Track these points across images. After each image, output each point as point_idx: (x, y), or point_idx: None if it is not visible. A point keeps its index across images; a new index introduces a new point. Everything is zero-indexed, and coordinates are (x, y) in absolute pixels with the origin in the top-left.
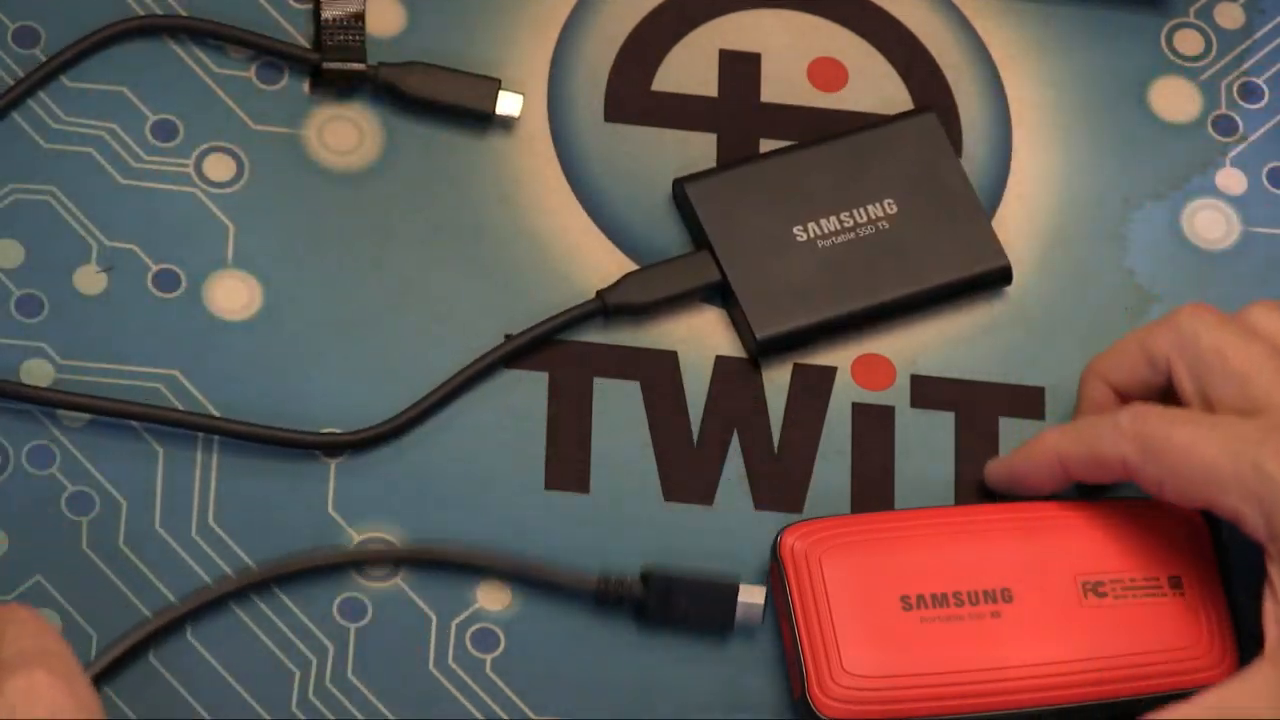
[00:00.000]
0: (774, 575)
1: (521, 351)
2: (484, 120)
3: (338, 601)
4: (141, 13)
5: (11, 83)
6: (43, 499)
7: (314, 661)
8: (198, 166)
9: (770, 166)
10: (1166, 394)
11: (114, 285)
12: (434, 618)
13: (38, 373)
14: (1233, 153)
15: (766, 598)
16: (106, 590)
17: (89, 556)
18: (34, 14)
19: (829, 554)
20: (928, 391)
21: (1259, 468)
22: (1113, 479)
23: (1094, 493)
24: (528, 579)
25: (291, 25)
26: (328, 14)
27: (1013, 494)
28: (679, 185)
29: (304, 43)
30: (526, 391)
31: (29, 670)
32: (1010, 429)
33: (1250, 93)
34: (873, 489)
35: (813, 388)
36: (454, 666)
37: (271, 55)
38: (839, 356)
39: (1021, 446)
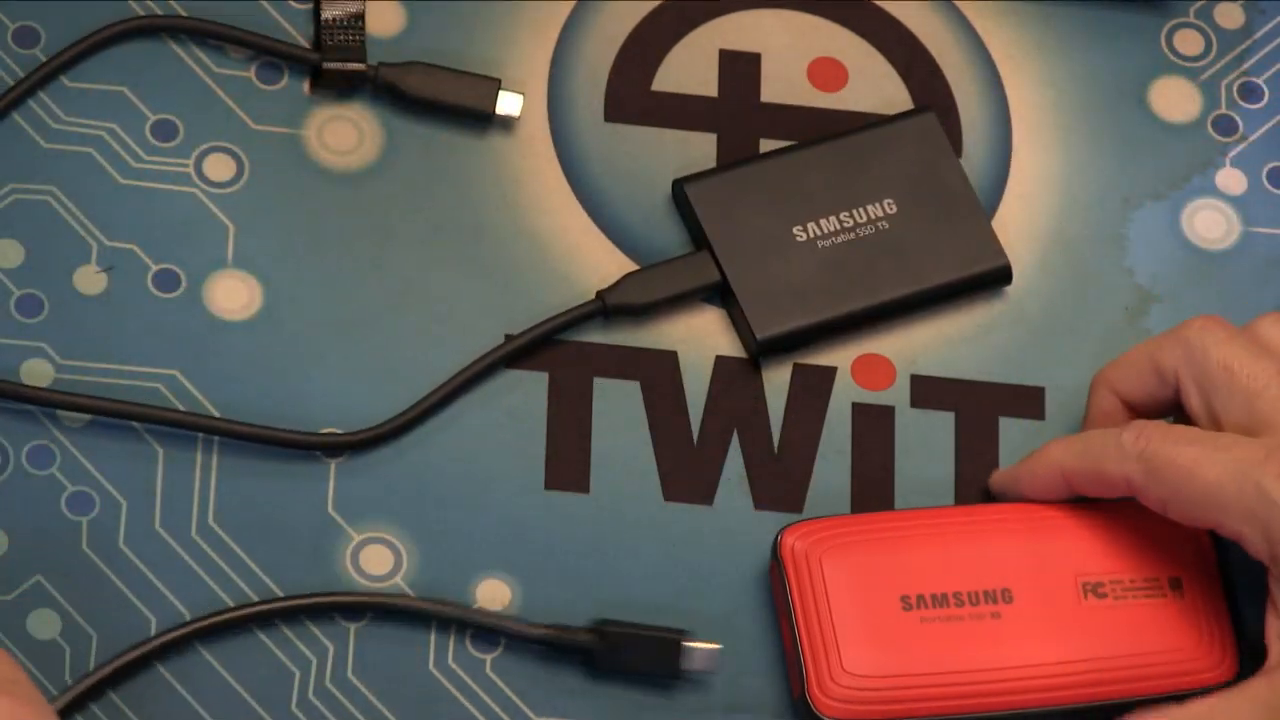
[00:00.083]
0: (774, 575)
1: (522, 351)
2: (484, 120)
3: None
4: (141, 13)
5: (11, 83)
6: (43, 499)
7: (314, 661)
8: (198, 166)
9: (770, 166)
10: (1175, 405)
11: (114, 285)
12: (434, 618)
13: (38, 373)
14: (1233, 153)
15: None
16: (106, 590)
17: (89, 556)
18: (34, 14)
19: (829, 554)
20: (928, 391)
21: (1261, 489)
22: (1116, 495)
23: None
24: (479, 626)
25: (291, 25)
26: (328, 14)
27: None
28: (679, 185)
29: (304, 43)
30: (526, 391)
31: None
32: (1010, 429)
33: (1250, 93)
34: (873, 489)
35: (813, 388)
36: (454, 666)
37: (271, 55)
38: (839, 356)
39: (1025, 459)
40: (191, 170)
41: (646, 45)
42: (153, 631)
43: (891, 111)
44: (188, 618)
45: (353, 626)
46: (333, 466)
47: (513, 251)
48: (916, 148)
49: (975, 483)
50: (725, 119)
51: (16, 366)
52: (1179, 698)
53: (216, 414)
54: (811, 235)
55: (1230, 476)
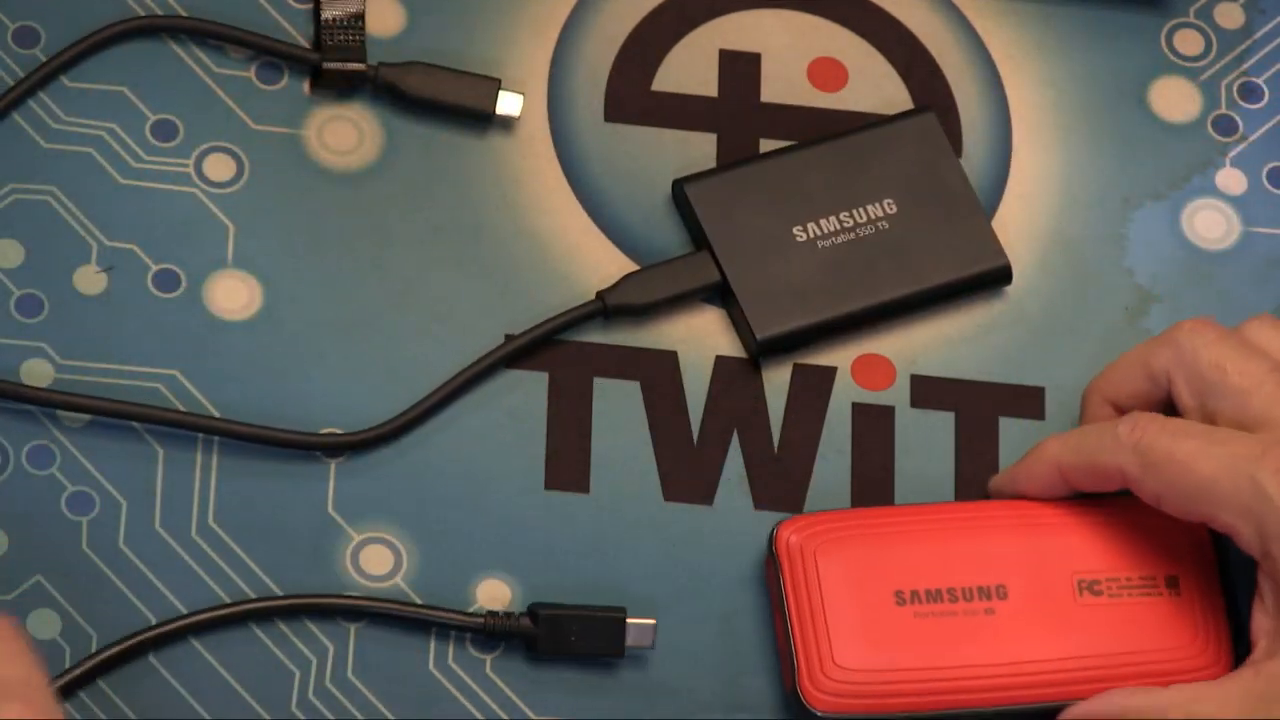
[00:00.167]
0: (769, 569)
1: (522, 352)
2: (484, 120)
3: None
4: (141, 13)
5: (11, 83)
6: (43, 499)
7: (314, 661)
8: (198, 166)
9: (770, 166)
10: (1168, 409)
11: (114, 285)
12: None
13: (38, 373)
14: (1233, 153)
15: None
16: (106, 590)
17: (89, 556)
18: (34, 14)
19: (824, 548)
20: (928, 391)
21: (1256, 483)
22: (1113, 488)
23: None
24: (414, 621)
25: (291, 25)
26: (328, 14)
27: None
28: (678, 186)
29: (304, 43)
30: (527, 391)
31: (9, 701)
32: (1010, 429)
33: (1250, 93)
34: (873, 489)
35: (813, 388)
36: (454, 666)
37: (271, 55)
38: (839, 356)
39: (1022, 458)
40: (191, 170)
41: (646, 45)
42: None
43: (891, 111)
44: None
45: (353, 626)
46: (333, 466)
47: (513, 251)
48: (916, 148)
49: (975, 483)
50: (725, 119)
51: (16, 366)
52: None
53: (216, 414)
54: (811, 235)
55: (1226, 471)
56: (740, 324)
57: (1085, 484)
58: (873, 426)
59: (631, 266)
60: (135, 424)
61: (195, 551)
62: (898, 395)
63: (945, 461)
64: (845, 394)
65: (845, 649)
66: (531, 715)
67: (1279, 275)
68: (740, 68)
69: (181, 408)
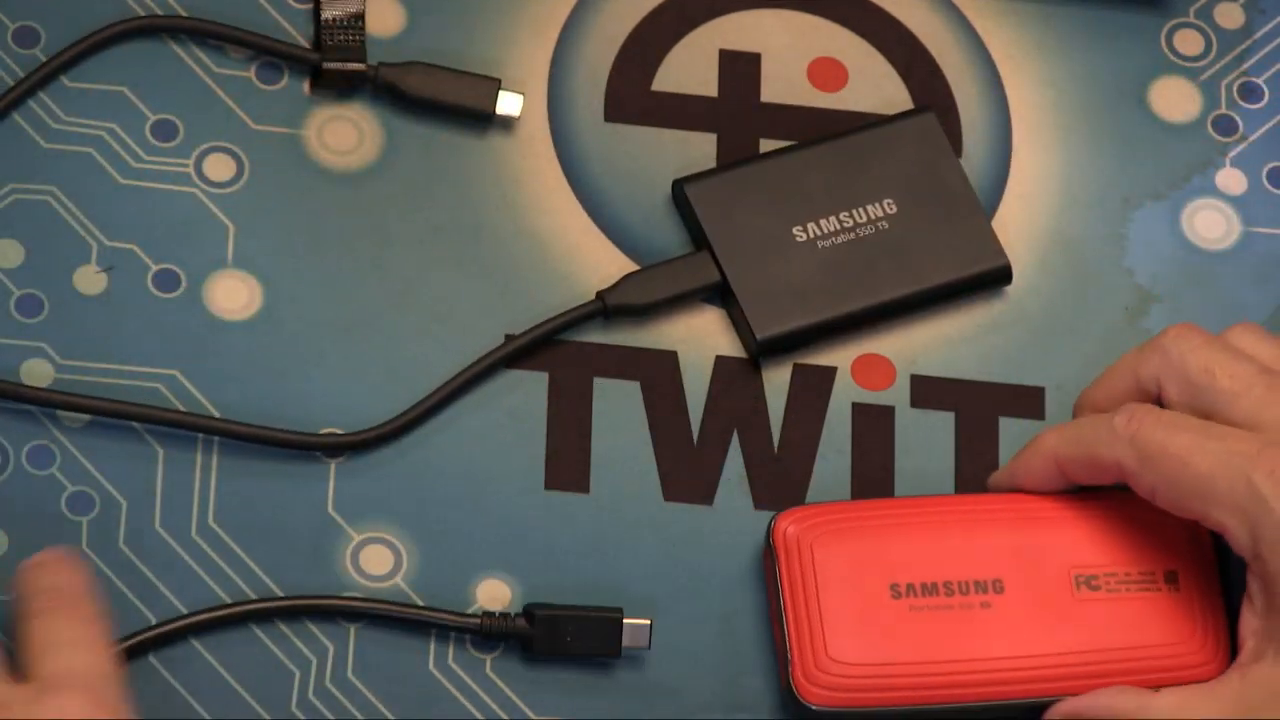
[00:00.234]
0: (767, 561)
1: (522, 352)
2: (484, 120)
3: None
4: (141, 13)
5: (11, 83)
6: (43, 499)
7: (314, 661)
8: (198, 166)
9: (770, 166)
10: None
11: (114, 285)
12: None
13: (38, 373)
14: (1233, 153)
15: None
16: (106, 590)
17: (89, 556)
18: (34, 14)
19: (820, 540)
20: (928, 391)
21: (1251, 484)
22: (1110, 480)
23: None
24: (412, 622)
25: (291, 25)
26: (328, 14)
27: None
28: (678, 186)
29: (304, 43)
30: (527, 391)
31: (71, 692)
32: (1010, 429)
33: (1250, 93)
34: (872, 489)
35: (813, 388)
36: (454, 666)
37: (271, 55)
38: (839, 356)
39: (1020, 451)
40: (191, 170)
41: (646, 45)
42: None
43: (891, 111)
44: None
45: (353, 627)
46: (333, 467)
47: (513, 251)
48: (916, 148)
49: (975, 483)
50: (725, 119)
51: (16, 366)
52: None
53: (216, 414)
54: (811, 235)
55: (1221, 469)
56: (740, 324)
57: (1082, 476)
58: (873, 426)
59: (631, 266)
60: (135, 424)
61: (195, 551)
62: (898, 395)
63: (945, 461)
64: (845, 394)
65: (840, 643)
66: (531, 715)
67: (1279, 275)
68: (740, 68)
69: (181, 408)
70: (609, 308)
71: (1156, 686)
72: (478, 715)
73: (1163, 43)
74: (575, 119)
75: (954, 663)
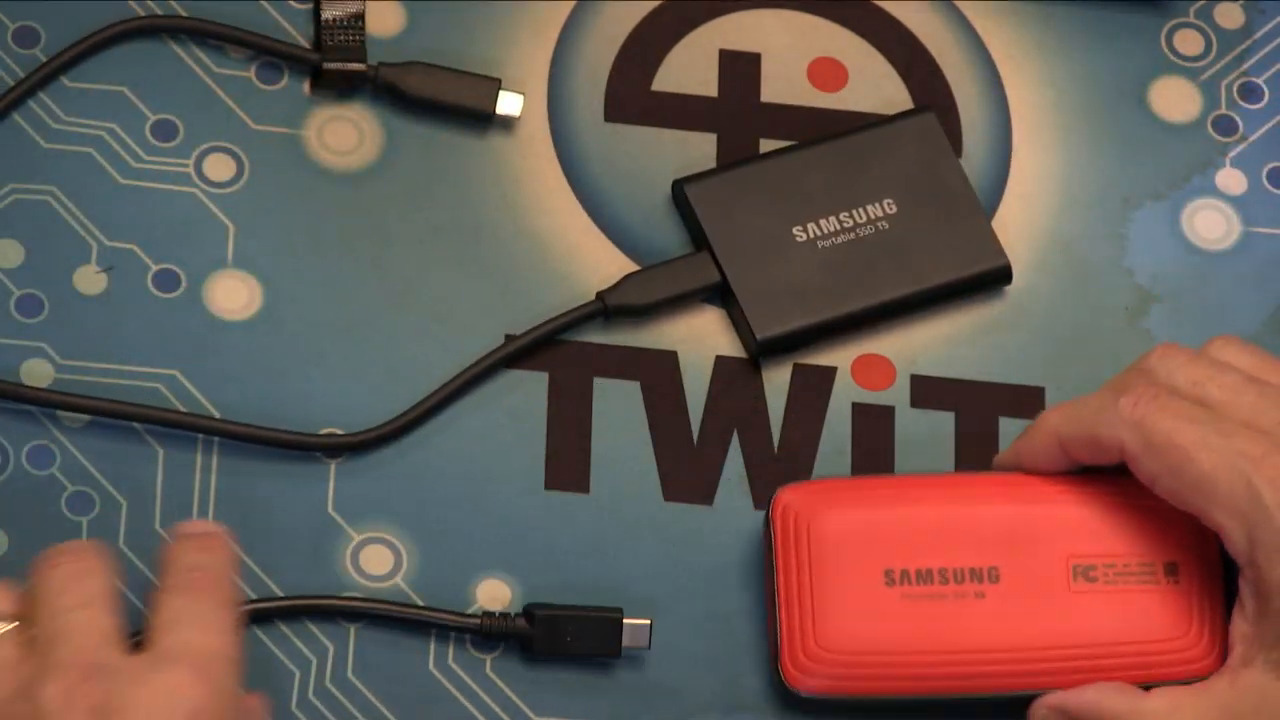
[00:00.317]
0: (765, 540)
1: (522, 352)
2: (484, 120)
3: None
4: (141, 13)
5: (11, 83)
6: (43, 499)
7: (314, 661)
8: (198, 166)
9: (770, 167)
10: None
11: (114, 285)
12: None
13: (38, 373)
14: (1233, 153)
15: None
16: None
17: None
18: (34, 14)
19: (817, 519)
20: (928, 391)
21: (1253, 488)
22: (1112, 461)
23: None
24: (412, 622)
25: (291, 25)
26: (328, 14)
27: None
28: (678, 186)
29: (304, 43)
30: (527, 391)
31: (182, 669)
32: (1010, 429)
33: (1250, 93)
34: None
35: (813, 388)
36: (454, 666)
37: (271, 55)
38: (839, 356)
39: (1025, 430)
40: (191, 170)
41: (646, 45)
42: None
43: (891, 111)
44: None
45: (353, 627)
46: (333, 467)
47: (513, 251)
48: (916, 148)
49: None
50: (725, 119)
51: (16, 366)
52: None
53: (216, 414)
54: (811, 235)
55: (1224, 469)
56: (740, 324)
57: (1084, 456)
58: (873, 426)
59: (631, 266)
60: (135, 424)
61: None
62: (898, 395)
63: (945, 461)
64: (845, 394)
65: (829, 629)
66: (531, 715)
67: (1279, 275)
68: (740, 68)
69: (181, 408)
70: (609, 308)
71: (1149, 683)
72: (478, 715)
73: (1163, 43)
74: (575, 119)
75: (944, 654)
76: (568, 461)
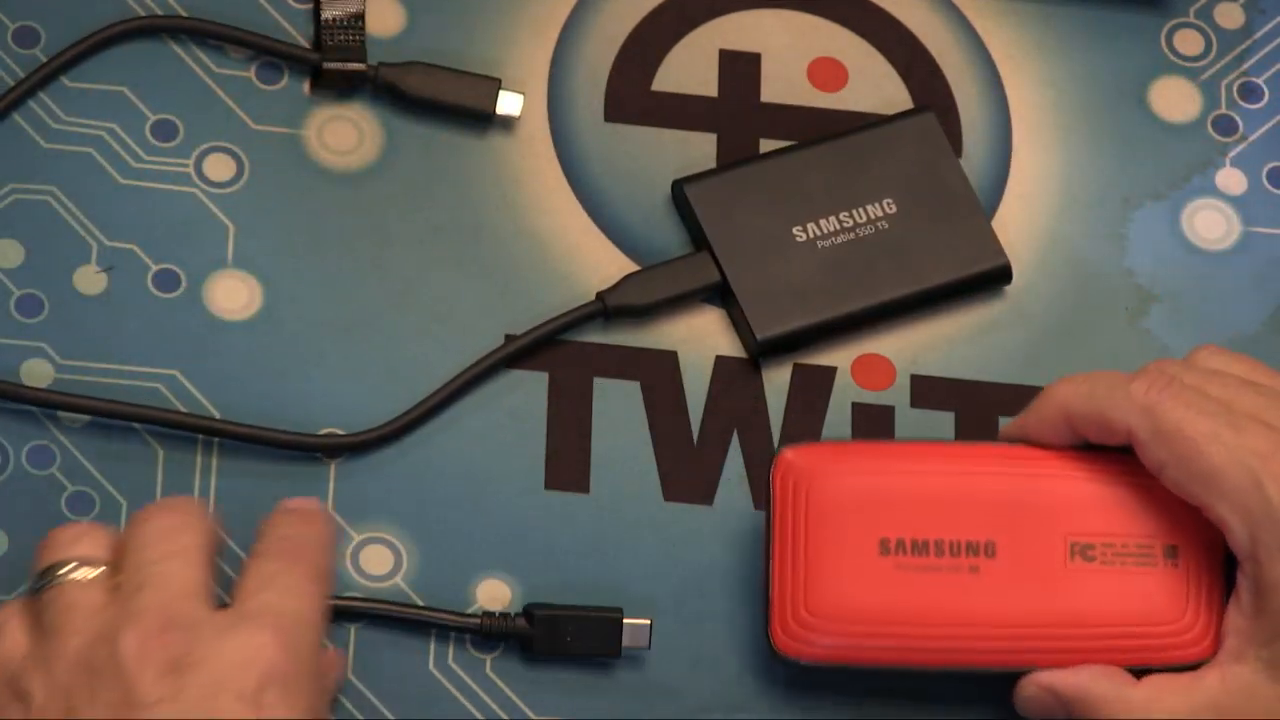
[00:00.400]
0: (766, 502)
1: (522, 352)
2: (484, 120)
3: None
4: (141, 13)
5: (11, 83)
6: (43, 499)
7: None
8: (198, 166)
9: (770, 167)
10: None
11: (114, 285)
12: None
13: (38, 373)
14: (1233, 153)
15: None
16: None
17: None
18: (34, 14)
19: (816, 484)
20: (928, 391)
21: (1260, 486)
22: (1118, 443)
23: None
24: (412, 622)
25: (291, 25)
26: (328, 14)
27: None
28: (678, 186)
29: (304, 43)
30: (527, 392)
31: (262, 629)
32: None
33: (1250, 93)
34: None
35: (813, 388)
36: (454, 666)
37: (271, 55)
38: (839, 356)
39: (1034, 400)
40: (191, 170)
41: (646, 45)
42: None
43: (891, 111)
44: None
45: (353, 627)
46: (332, 467)
47: (513, 251)
48: (916, 148)
49: None
50: (725, 119)
51: (16, 366)
52: (1158, 671)
53: (216, 414)
54: (811, 235)
55: (1234, 464)
56: (740, 324)
57: (1091, 434)
58: (873, 426)
59: (631, 266)
60: (135, 424)
61: None
62: (898, 395)
63: None
64: (845, 394)
65: (820, 596)
66: (531, 715)
67: (1279, 275)
68: (740, 68)
69: (181, 408)
70: (609, 308)
71: (1143, 666)
72: (478, 715)
73: (1163, 43)
74: (575, 119)
75: (934, 627)
76: (568, 461)
